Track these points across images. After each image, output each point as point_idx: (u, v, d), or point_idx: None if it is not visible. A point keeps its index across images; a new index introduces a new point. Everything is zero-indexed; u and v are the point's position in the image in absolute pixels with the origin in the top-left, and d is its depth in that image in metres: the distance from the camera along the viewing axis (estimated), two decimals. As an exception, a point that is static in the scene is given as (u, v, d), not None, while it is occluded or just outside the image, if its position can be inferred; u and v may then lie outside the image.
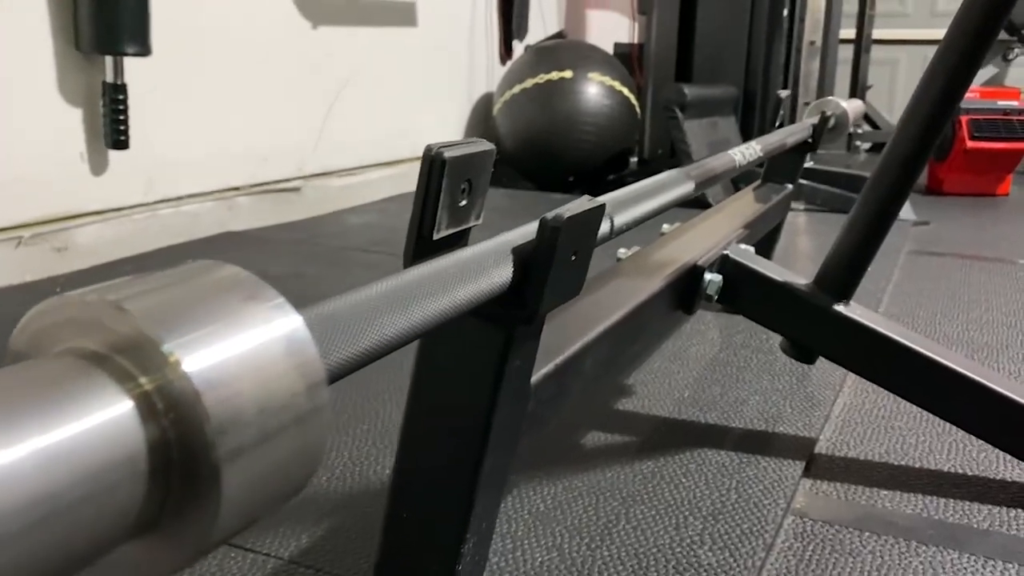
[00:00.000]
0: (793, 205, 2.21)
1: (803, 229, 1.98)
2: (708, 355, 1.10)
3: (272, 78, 1.86)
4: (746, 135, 2.46)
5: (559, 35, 2.75)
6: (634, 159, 2.78)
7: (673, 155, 2.29)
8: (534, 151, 2.43)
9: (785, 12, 2.57)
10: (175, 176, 1.67)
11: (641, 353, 1.05)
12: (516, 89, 2.43)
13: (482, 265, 0.39)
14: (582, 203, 0.42)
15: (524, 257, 0.40)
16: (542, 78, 2.39)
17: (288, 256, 1.59)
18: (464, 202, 0.43)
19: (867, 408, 0.95)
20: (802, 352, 0.84)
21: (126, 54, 1.42)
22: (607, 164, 2.48)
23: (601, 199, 0.52)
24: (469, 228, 0.45)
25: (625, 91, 2.48)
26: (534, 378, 0.47)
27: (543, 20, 2.91)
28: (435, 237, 0.41)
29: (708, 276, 0.78)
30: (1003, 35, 3.77)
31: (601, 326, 0.58)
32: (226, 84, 1.75)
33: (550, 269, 0.39)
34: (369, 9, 2.14)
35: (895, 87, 4.07)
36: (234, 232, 1.76)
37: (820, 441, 0.87)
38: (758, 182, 1.23)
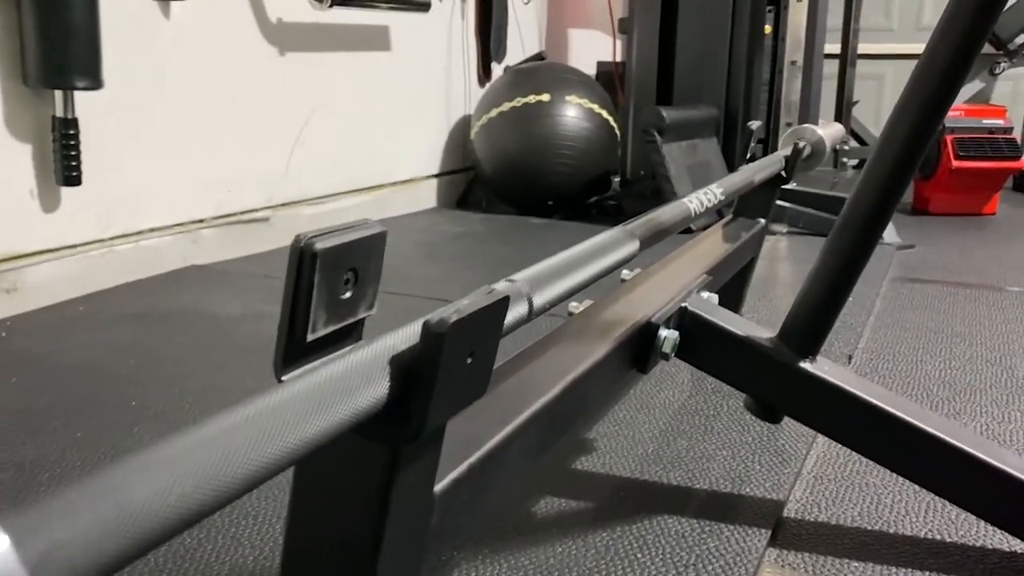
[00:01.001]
0: (775, 228, 2.17)
1: (784, 255, 1.94)
2: (677, 402, 1.05)
3: (238, 106, 1.81)
4: (728, 156, 2.42)
5: (539, 56, 2.71)
6: (617, 178, 2.73)
7: (656, 176, 2.25)
8: (512, 175, 2.38)
9: (767, 30, 2.53)
10: (134, 210, 1.61)
11: (591, 417, 0.99)
12: (493, 113, 2.39)
13: (350, 383, 0.33)
14: (479, 298, 0.37)
15: (405, 367, 0.35)
16: (519, 101, 2.35)
17: (249, 292, 1.54)
18: (348, 294, 0.38)
19: (840, 461, 0.90)
20: (767, 411, 0.79)
21: (75, 88, 1.37)
22: (587, 187, 2.44)
23: (518, 278, 0.47)
24: (360, 320, 0.40)
25: (604, 113, 2.43)
26: (439, 486, 0.42)
27: (522, 41, 2.87)
28: (310, 338, 0.36)
29: (663, 333, 0.73)
30: (989, 49, 3.74)
31: (533, 406, 0.53)
32: (189, 113, 1.70)
33: (436, 380, 0.34)
34: (340, 34, 2.09)
35: (881, 102, 4.05)
36: (197, 266, 1.71)
37: (789, 503, 0.82)
38: (728, 217, 1.18)
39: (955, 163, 2.36)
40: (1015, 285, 1.66)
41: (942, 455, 0.70)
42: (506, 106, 2.36)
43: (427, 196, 2.48)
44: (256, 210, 1.87)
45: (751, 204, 1.17)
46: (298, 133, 1.97)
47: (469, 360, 0.37)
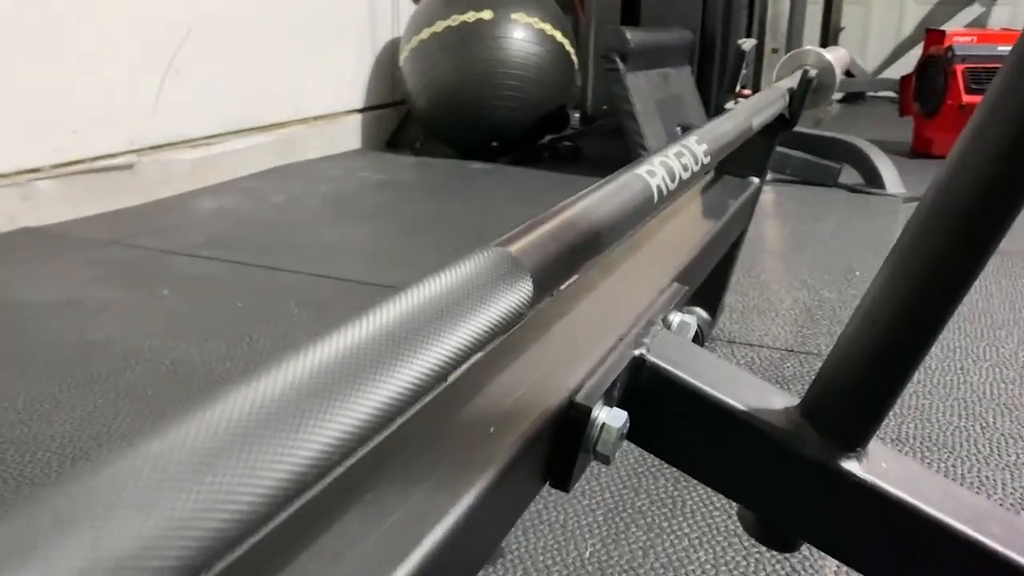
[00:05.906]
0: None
1: (770, 211, 1.60)
2: (627, 455, 0.72)
3: (85, 26, 1.42)
4: (703, 89, 2.06)
5: (484, -32, 2.30)
6: (576, 114, 2.37)
7: (618, 112, 1.89)
8: (449, 110, 2.01)
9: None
10: (-68, 157, 1.23)
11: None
12: (425, 34, 2.00)
13: None
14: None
15: None
16: (456, 19, 1.96)
17: (83, 267, 1.18)
18: None
19: None
20: (776, 536, 0.46)
21: None
22: (538, 125, 2.07)
23: None
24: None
25: (558, 35, 2.06)
26: None
27: (464, -50, 2.45)
28: None
29: (600, 416, 0.40)
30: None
31: None
32: (11, 35, 1.31)
33: None
34: (227, -68, 1.69)
35: (869, 30, 3.69)
36: (29, 229, 1.34)
37: (808, 668, 0.50)
38: (709, 178, 0.84)
39: (965, 98, 2.03)
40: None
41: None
42: (440, 25, 1.97)
43: (349, 136, 2.10)
44: (113, 155, 1.48)
45: (742, 157, 0.83)
46: (170, 58, 1.58)
47: None
